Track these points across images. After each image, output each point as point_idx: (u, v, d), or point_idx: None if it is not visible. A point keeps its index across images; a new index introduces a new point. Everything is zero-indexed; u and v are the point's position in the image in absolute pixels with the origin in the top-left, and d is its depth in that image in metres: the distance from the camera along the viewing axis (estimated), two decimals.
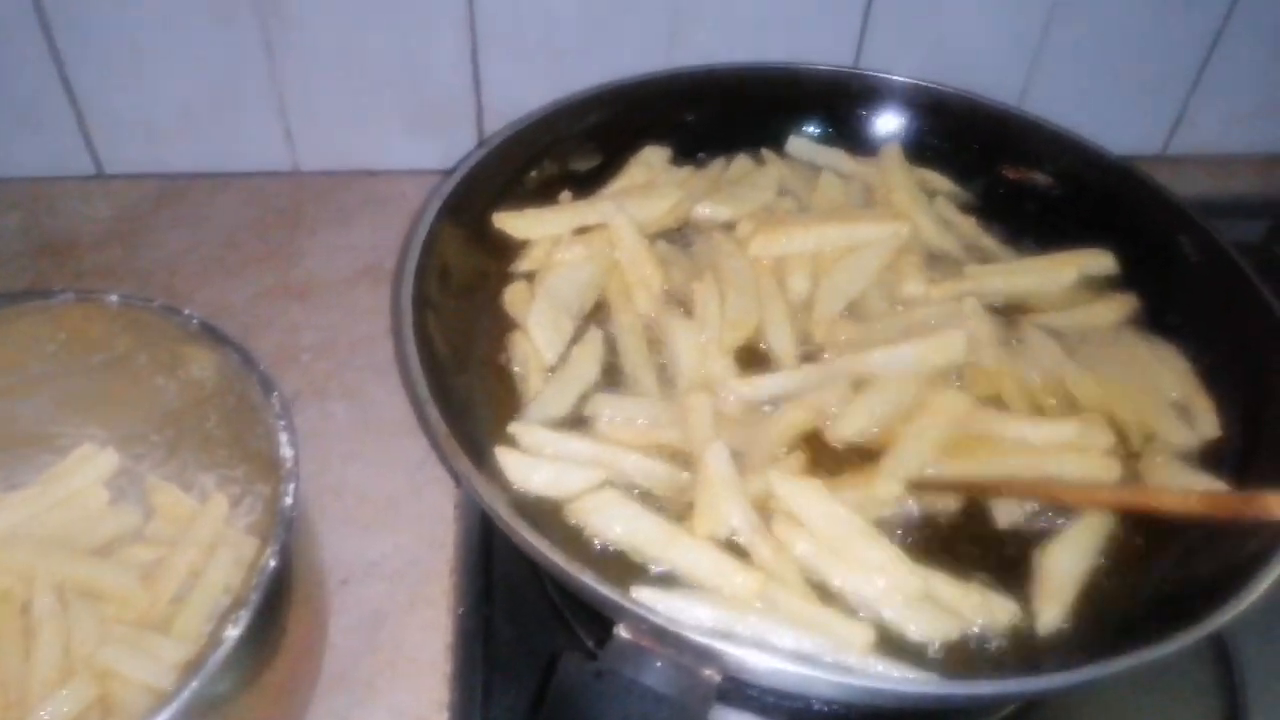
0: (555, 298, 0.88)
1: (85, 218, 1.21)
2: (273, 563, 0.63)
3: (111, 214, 1.22)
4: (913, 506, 0.79)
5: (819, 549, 0.73)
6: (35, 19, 1.10)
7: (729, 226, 0.98)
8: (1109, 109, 1.31)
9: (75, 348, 0.80)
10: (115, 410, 0.86)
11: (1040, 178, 1.04)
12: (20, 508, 0.81)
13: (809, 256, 0.94)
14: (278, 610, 0.69)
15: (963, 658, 0.71)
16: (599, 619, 0.66)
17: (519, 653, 0.82)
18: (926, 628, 0.71)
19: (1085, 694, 0.78)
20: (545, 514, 0.76)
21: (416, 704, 0.81)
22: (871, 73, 1.08)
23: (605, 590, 0.59)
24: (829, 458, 0.83)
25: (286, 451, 0.69)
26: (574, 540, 0.75)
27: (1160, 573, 0.76)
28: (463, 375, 0.83)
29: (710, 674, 0.58)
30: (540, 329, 0.85)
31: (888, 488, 0.78)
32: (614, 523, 0.74)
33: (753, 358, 0.89)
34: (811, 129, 1.09)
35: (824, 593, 0.73)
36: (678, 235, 1.00)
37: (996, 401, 0.86)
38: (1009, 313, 0.94)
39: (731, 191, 1.01)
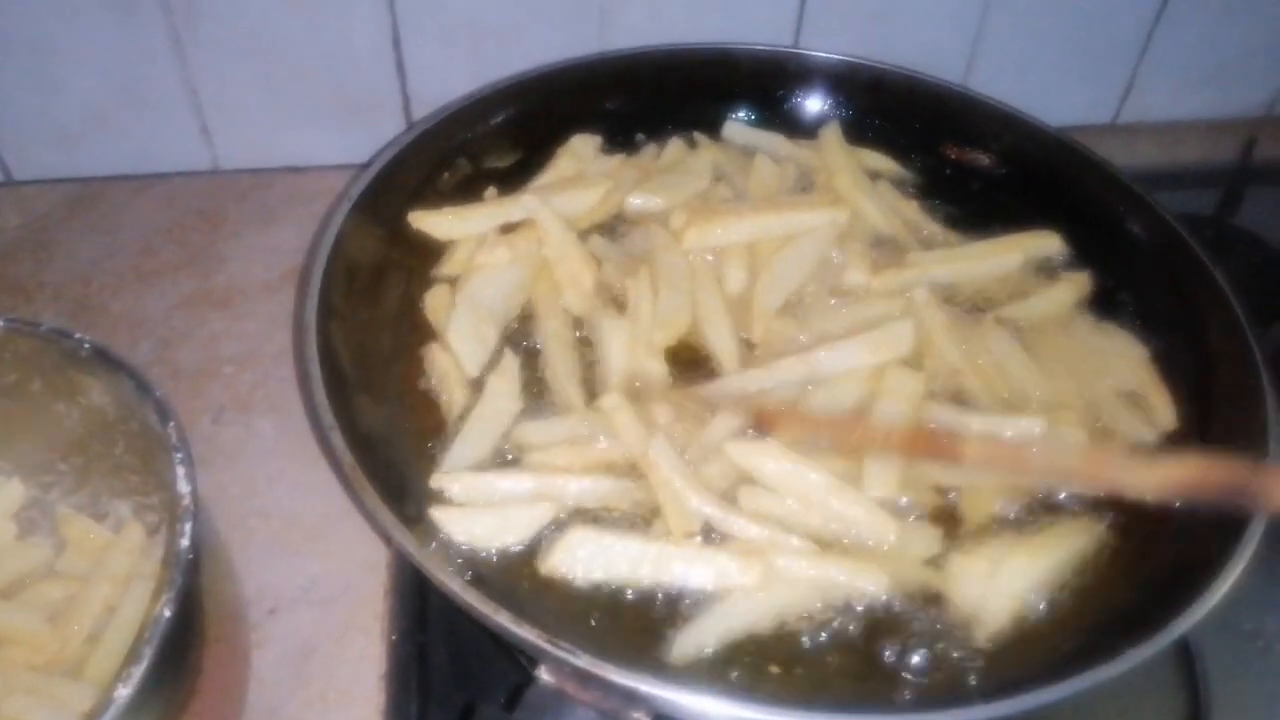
0: (478, 304, 0.83)
1: None
2: (167, 612, 0.58)
3: (21, 222, 1.16)
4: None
5: (797, 505, 0.73)
6: None
7: (663, 217, 0.94)
8: (1057, 80, 1.28)
9: None
10: (17, 439, 0.81)
11: (983, 156, 1.01)
12: None
13: (746, 247, 0.90)
14: (186, 654, 0.65)
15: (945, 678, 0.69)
16: None
17: (456, 683, 0.78)
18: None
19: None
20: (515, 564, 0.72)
21: None
22: (808, 52, 1.04)
23: (523, 632, 0.55)
24: None
25: (183, 487, 0.64)
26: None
27: (1122, 576, 0.74)
28: (376, 394, 0.78)
29: (638, 718, 0.55)
30: (461, 339, 0.81)
31: (882, 490, 0.76)
32: (593, 563, 0.70)
33: (690, 356, 0.85)
34: (748, 112, 1.05)
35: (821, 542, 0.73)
36: (611, 229, 0.95)
37: (958, 396, 0.83)
38: (961, 303, 0.91)
39: (664, 180, 0.96)
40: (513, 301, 0.87)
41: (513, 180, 0.97)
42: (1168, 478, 0.69)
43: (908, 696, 0.66)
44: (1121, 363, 0.87)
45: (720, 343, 0.84)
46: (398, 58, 1.15)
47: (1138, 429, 0.82)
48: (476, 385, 0.82)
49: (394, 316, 0.85)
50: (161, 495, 0.81)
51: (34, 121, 1.15)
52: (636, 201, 0.94)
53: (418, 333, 0.86)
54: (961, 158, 1.01)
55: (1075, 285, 0.92)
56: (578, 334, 0.87)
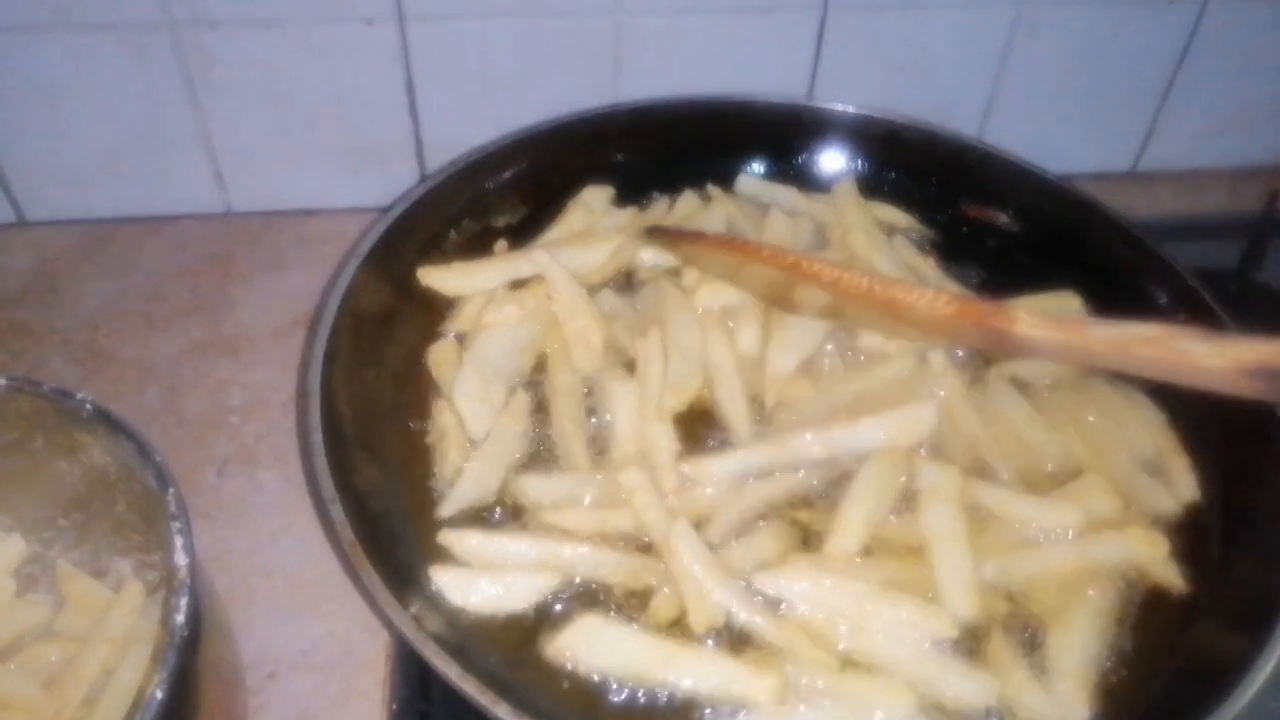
0: (485, 364, 0.82)
1: (3, 269, 1.15)
2: (159, 694, 0.57)
3: (32, 264, 1.16)
4: None
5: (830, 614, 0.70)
6: None
7: (675, 274, 0.92)
8: (1076, 128, 1.27)
9: None
10: (18, 495, 0.80)
11: (1001, 214, 0.99)
12: None
13: (760, 305, 0.88)
14: None
15: None
16: None
17: None
18: (957, 693, 0.67)
19: None
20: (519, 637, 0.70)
21: None
22: (823, 105, 1.03)
23: None
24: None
25: (180, 559, 0.63)
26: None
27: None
28: (378, 454, 0.77)
29: None
30: (466, 400, 0.79)
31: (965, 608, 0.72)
32: (600, 654, 0.67)
33: (701, 421, 0.83)
34: (762, 165, 1.04)
35: (847, 661, 0.69)
36: (623, 285, 0.94)
37: (980, 468, 0.81)
38: (966, 363, 0.89)
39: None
40: (522, 362, 0.86)
41: (523, 234, 0.96)
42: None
43: None
44: (1139, 428, 0.85)
45: (732, 407, 0.82)
46: (411, 104, 1.14)
47: (1159, 498, 0.80)
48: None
49: (399, 373, 0.84)
50: (162, 554, 0.79)
51: (47, 163, 1.15)
52: (648, 257, 0.93)
53: (422, 390, 0.85)
54: (979, 216, 1.00)
55: None
56: (586, 391, 0.86)
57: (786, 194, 1.01)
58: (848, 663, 0.69)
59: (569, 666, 0.68)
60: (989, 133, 1.23)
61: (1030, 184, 0.98)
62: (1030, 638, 0.73)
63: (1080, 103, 1.25)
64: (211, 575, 0.84)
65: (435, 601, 0.71)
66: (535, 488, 0.77)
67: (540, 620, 0.72)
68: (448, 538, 0.73)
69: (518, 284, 0.89)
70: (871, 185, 1.02)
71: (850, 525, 0.75)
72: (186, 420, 1.00)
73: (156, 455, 0.69)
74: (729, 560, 0.73)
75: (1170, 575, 0.75)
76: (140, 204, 1.20)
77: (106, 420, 0.71)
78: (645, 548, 0.74)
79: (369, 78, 1.12)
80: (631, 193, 1.01)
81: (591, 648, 0.67)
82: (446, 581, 0.70)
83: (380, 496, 0.74)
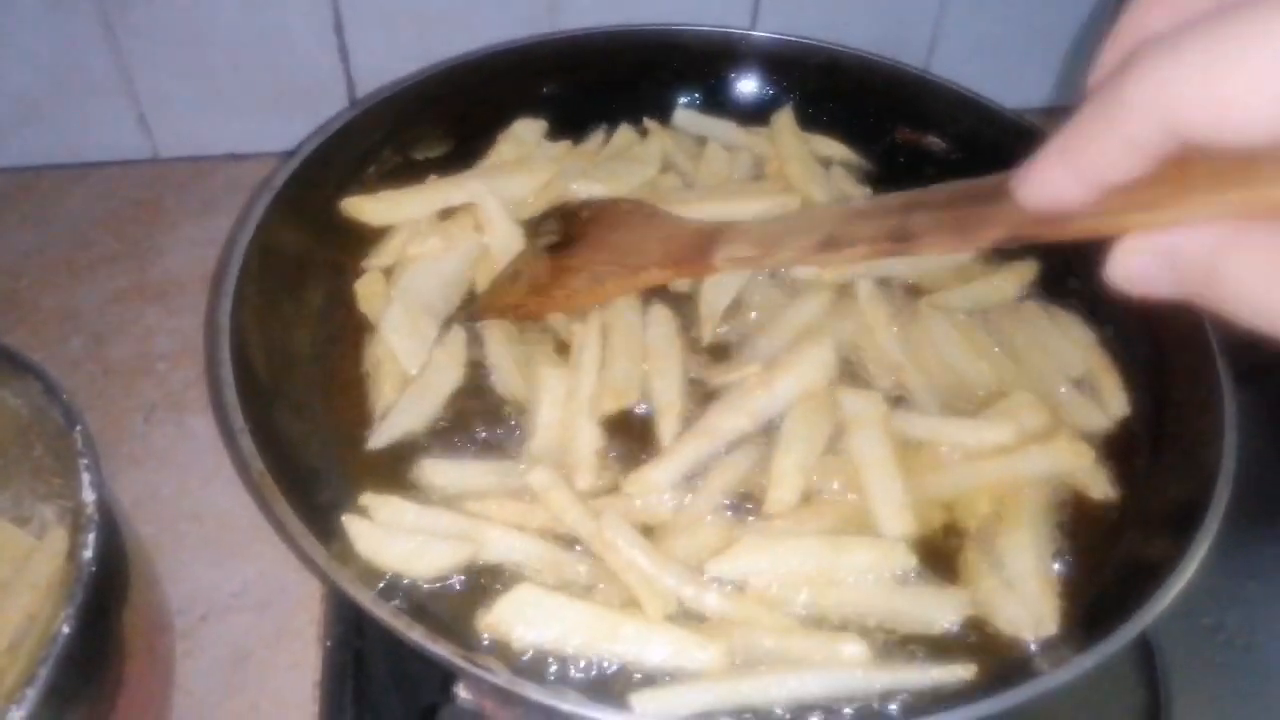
0: (415, 297, 0.80)
1: None
2: (65, 629, 0.55)
3: None
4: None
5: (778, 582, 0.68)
6: None
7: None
8: (1021, 61, 1.25)
9: None
10: None
11: (937, 139, 0.98)
12: None
13: None
14: (103, 668, 0.63)
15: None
16: None
17: (392, 690, 0.76)
18: (928, 616, 0.67)
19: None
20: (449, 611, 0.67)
21: None
22: (758, 34, 1.00)
23: (440, 650, 0.53)
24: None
25: (88, 495, 0.61)
26: None
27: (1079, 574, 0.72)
28: (298, 395, 0.75)
29: None
30: (397, 334, 0.77)
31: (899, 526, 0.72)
32: (539, 627, 0.63)
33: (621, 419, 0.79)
34: (698, 97, 1.02)
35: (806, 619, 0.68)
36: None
37: (907, 397, 0.81)
38: (902, 290, 0.88)
39: (610, 168, 0.93)
40: (451, 293, 0.84)
41: (448, 169, 0.93)
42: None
43: None
44: (1071, 348, 0.85)
45: (666, 398, 0.78)
46: (340, 43, 1.11)
47: (1090, 416, 0.80)
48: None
49: (321, 310, 0.82)
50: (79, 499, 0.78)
51: None
52: (580, 188, 0.90)
53: (351, 325, 0.83)
54: (913, 140, 0.99)
55: (1020, 273, 0.89)
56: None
57: (724, 127, 0.99)
58: (806, 620, 0.68)
59: (503, 641, 0.64)
60: (934, 68, 1.21)
61: (969, 110, 0.97)
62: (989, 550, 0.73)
63: (1026, 36, 1.24)
64: (139, 520, 0.82)
65: (356, 551, 0.68)
66: (441, 473, 0.73)
67: (470, 594, 0.69)
68: (369, 500, 0.70)
69: (445, 215, 0.87)
70: (810, 116, 1.00)
71: (785, 476, 0.73)
72: (112, 368, 0.97)
73: (63, 393, 0.66)
74: (672, 553, 0.70)
75: (1098, 483, 0.76)
76: (63, 151, 1.16)
77: (12, 360, 0.69)
78: (570, 542, 0.71)
79: (295, 17, 1.08)
80: (565, 126, 0.99)
81: (529, 619, 0.64)
82: (358, 532, 0.67)
83: (300, 436, 0.72)
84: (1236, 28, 0.34)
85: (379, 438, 0.74)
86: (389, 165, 0.90)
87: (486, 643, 0.64)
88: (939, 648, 0.68)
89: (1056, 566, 0.73)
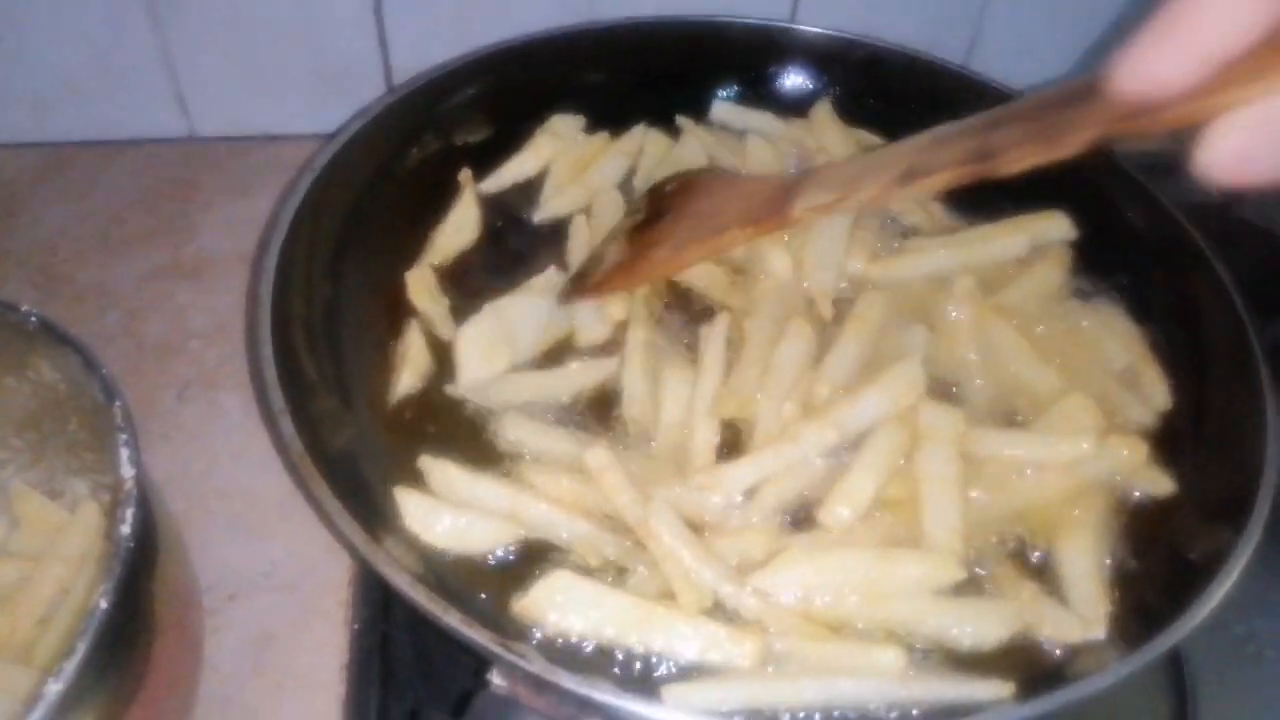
0: (502, 322, 0.80)
1: None
2: (103, 604, 0.56)
3: None
4: None
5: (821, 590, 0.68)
6: None
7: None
8: (1062, 60, 1.24)
9: None
10: None
11: None
12: None
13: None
14: (133, 643, 0.63)
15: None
16: None
17: (418, 673, 0.76)
18: (979, 631, 0.66)
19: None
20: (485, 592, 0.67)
21: None
22: (801, 27, 1.00)
23: (475, 635, 0.52)
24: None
25: (127, 471, 0.61)
26: None
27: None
28: (337, 376, 0.75)
29: None
30: (469, 349, 0.77)
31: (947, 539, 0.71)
32: (573, 613, 0.64)
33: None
34: (737, 90, 1.01)
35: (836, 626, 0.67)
36: None
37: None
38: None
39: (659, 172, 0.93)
40: (539, 337, 0.83)
41: (487, 155, 0.93)
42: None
43: None
44: (1115, 342, 0.84)
45: (768, 418, 0.77)
46: (379, 27, 1.11)
47: (1136, 410, 0.80)
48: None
49: (363, 292, 0.82)
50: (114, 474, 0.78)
51: (5, 86, 1.12)
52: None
53: (392, 310, 0.83)
54: None
55: (1059, 259, 0.89)
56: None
57: (763, 120, 0.98)
58: (845, 629, 0.67)
59: (537, 628, 0.65)
60: (975, 64, 1.20)
61: None
62: (1032, 559, 0.73)
63: (1067, 34, 1.22)
64: (169, 497, 0.82)
65: (394, 531, 0.69)
66: (520, 427, 0.74)
67: (506, 576, 0.69)
68: (425, 463, 0.71)
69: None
70: (848, 110, 1.00)
71: (853, 494, 0.71)
72: (146, 344, 0.98)
73: (103, 368, 0.67)
74: (717, 552, 0.70)
75: (1155, 478, 0.76)
76: (101, 128, 1.16)
77: (52, 333, 0.69)
78: (619, 525, 0.71)
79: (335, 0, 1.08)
80: (603, 116, 0.98)
81: (563, 606, 0.64)
82: (409, 504, 0.68)
83: (337, 417, 0.72)
84: None
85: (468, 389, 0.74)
86: (430, 149, 0.90)
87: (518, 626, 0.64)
88: (972, 653, 0.67)
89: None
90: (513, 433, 0.75)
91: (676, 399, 0.77)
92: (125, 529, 0.59)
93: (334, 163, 0.80)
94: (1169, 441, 0.79)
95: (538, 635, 0.64)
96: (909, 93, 0.99)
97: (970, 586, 0.70)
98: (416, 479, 0.72)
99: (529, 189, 0.96)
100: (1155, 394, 0.82)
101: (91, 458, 0.78)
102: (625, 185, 0.96)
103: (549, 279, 0.86)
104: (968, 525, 0.71)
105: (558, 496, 0.71)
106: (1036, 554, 0.73)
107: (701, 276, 0.87)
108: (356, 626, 0.79)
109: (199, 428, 0.92)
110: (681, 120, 0.99)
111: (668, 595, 0.66)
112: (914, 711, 0.63)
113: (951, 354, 0.82)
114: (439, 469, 0.72)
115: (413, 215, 0.88)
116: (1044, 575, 0.72)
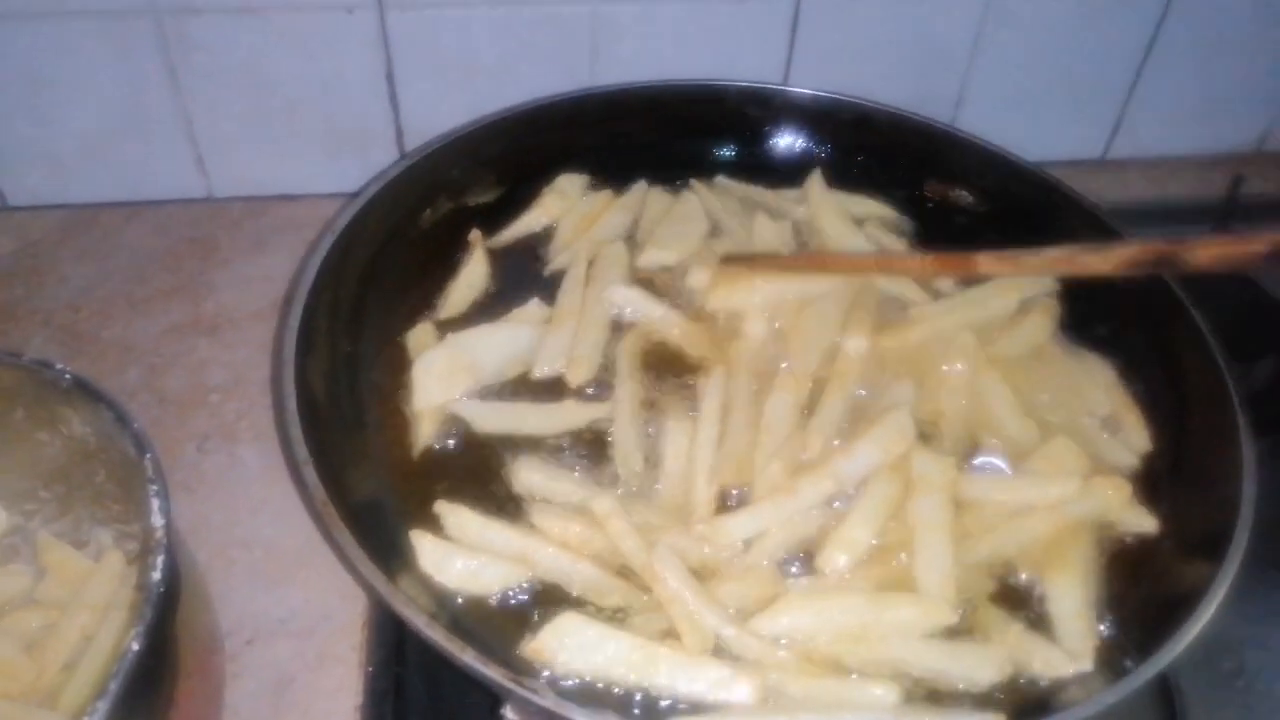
0: (464, 351, 0.83)
1: None
2: (135, 646, 0.58)
3: (14, 248, 1.16)
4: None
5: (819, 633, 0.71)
6: None
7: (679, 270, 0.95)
8: (1047, 116, 1.29)
9: None
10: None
11: (964, 193, 1.01)
12: None
13: (767, 306, 0.91)
14: (159, 686, 0.65)
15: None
16: None
17: (431, 714, 0.78)
18: (971, 674, 0.69)
19: None
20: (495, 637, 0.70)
21: None
22: (792, 89, 1.04)
23: (490, 672, 0.55)
24: None
25: (157, 520, 0.64)
26: None
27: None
28: (355, 430, 0.78)
29: None
30: (427, 374, 0.81)
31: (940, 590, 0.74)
32: (581, 655, 0.67)
33: None
34: (734, 150, 1.06)
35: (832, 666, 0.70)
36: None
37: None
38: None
39: (667, 230, 0.97)
40: (502, 367, 0.86)
41: (497, 215, 0.97)
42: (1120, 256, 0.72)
43: None
44: (1094, 388, 0.88)
45: (768, 478, 0.80)
46: (391, 91, 1.16)
47: (1118, 453, 0.84)
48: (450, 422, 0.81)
49: (378, 347, 0.85)
50: (143, 524, 0.80)
51: (30, 149, 1.16)
52: (651, 258, 0.95)
53: (396, 367, 0.86)
54: (941, 192, 1.02)
55: (1048, 311, 0.93)
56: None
57: (763, 194, 1.03)
58: (840, 669, 0.70)
59: (546, 669, 0.67)
60: (962, 121, 1.25)
61: (996, 166, 1.00)
62: (1020, 595, 0.76)
63: (1051, 91, 1.27)
64: (191, 546, 0.85)
65: (411, 573, 0.72)
66: (534, 471, 0.78)
67: (516, 618, 0.72)
68: (441, 508, 0.74)
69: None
70: (841, 169, 1.04)
71: (849, 542, 0.75)
72: (167, 398, 1.01)
73: (134, 423, 0.70)
74: (719, 597, 0.73)
75: (1138, 517, 0.79)
76: (122, 189, 1.20)
77: (85, 390, 0.72)
78: (624, 570, 0.74)
79: (350, 65, 1.13)
80: (606, 177, 1.03)
81: (571, 648, 0.67)
82: (424, 547, 0.71)
83: (356, 468, 0.75)
84: None
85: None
86: (442, 210, 0.94)
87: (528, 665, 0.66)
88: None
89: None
90: (525, 478, 0.79)
91: (677, 452, 0.81)
92: (156, 575, 0.62)
93: (353, 223, 0.84)
94: (1151, 482, 0.82)
95: (546, 674, 0.66)
96: (898, 151, 1.03)
97: (962, 626, 0.73)
98: (431, 523, 0.76)
99: (536, 244, 1.01)
100: (1137, 437, 0.85)
101: (118, 508, 0.81)
102: (629, 239, 1.00)
103: (530, 311, 0.89)
104: (959, 569, 0.74)
105: (566, 541, 0.74)
106: (1025, 589, 0.76)
107: (680, 335, 0.90)
108: (370, 669, 0.81)
109: (219, 479, 0.95)
110: (695, 184, 1.03)
111: (671, 635, 0.69)
112: None
113: (936, 404, 0.85)
114: (454, 513, 0.75)
115: (426, 272, 0.92)
116: (1032, 610, 0.75)
